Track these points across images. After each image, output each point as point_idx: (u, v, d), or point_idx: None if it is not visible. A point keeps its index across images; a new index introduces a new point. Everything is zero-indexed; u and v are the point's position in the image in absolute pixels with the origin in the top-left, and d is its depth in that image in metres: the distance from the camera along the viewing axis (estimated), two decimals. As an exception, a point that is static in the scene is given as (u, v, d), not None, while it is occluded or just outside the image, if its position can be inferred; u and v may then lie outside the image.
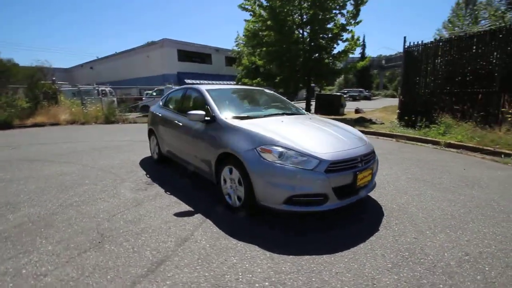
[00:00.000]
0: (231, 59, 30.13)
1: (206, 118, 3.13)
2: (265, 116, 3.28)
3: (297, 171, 2.30)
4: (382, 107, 20.04)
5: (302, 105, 14.50)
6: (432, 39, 8.36)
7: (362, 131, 4.96)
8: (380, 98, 42.53)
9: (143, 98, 16.68)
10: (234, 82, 25.83)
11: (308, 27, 13.20)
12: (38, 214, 2.85)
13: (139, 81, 24.66)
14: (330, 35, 13.31)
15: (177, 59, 27.30)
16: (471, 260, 2.01)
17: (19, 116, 10.89)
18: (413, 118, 8.14)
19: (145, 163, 4.88)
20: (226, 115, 3.10)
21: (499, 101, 6.45)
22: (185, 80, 24.97)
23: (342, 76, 24.16)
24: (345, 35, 13.21)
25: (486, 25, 36.26)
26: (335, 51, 13.61)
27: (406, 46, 8.86)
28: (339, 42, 13.41)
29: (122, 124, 11.95)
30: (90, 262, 2.00)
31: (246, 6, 13.45)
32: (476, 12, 36.78)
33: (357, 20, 12.93)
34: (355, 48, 13.25)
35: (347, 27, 12.91)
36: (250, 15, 13.63)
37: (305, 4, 12.83)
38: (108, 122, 12.35)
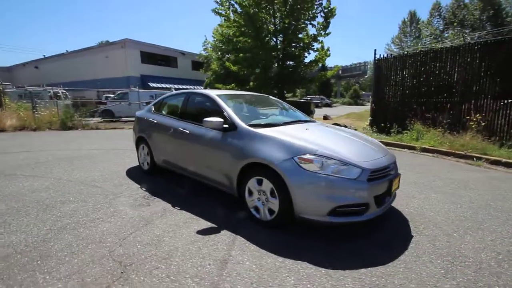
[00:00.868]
0: (197, 64, 29.48)
1: (225, 125, 2.91)
2: (284, 123, 3.17)
3: (341, 181, 2.23)
4: (346, 114, 21.31)
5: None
6: (393, 53, 9.11)
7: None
8: (338, 105, 45.24)
9: (107, 102, 15.30)
10: (202, 87, 25.26)
11: (281, 35, 13.52)
12: (25, 243, 2.33)
13: (96, 83, 22.63)
14: (301, 45, 13.80)
15: (140, 61, 25.76)
16: (505, 259, 2.14)
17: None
18: (387, 125, 8.75)
19: (134, 174, 4.39)
20: (245, 123, 2.92)
21: (461, 110, 7.27)
22: (150, 84, 23.63)
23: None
24: (316, 45, 13.84)
25: (427, 42, 41.06)
26: (306, 60, 14.15)
27: (376, 58, 9.54)
28: (310, 51, 13.98)
29: (83, 131, 10.76)
30: (124, 300, 1.66)
31: (220, 11, 13.31)
32: (419, 30, 41.68)
33: (326, 32, 13.62)
34: (325, 58, 13.93)
35: (318, 38, 13.52)
36: (224, 20, 13.51)
37: (278, 14, 13.14)
38: (65, 128, 11.02)
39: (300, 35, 13.62)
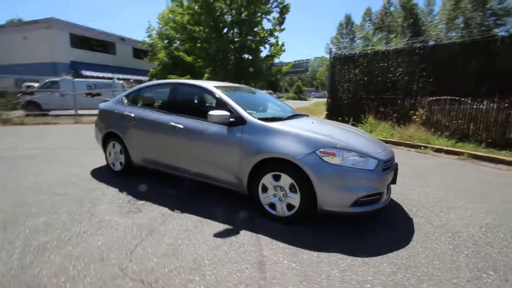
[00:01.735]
0: (140, 51, 26.98)
1: (231, 119, 2.72)
2: (288, 117, 3.12)
3: (362, 172, 2.32)
4: (296, 108, 22.36)
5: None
6: (348, 52, 9.92)
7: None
8: (284, 100, 47.16)
9: (34, 92, 12.82)
10: (147, 78, 23.32)
11: (237, 27, 13.32)
12: (1, 273, 1.80)
13: (15, 68, 18.66)
14: (258, 38, 13.85)
15: (70, 45, 22.20)
16: (488, 230, 2.54)
17: None
18: (344, 118, 9.47)
19: (102, 176, 3.80)
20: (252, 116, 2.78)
21: (404, 106, 8.32)
22: (83, 72, 20.66)
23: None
24: (272, 40, 14.06)
25: (360, 44, 45.40)
26: (262, 55, 14.29)
27: (331, 57, 10.19)
28: (266, 46, 14.15)
29: (4, 127, 8.84)
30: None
31: (172, -4, 12.37)
32: (354, 33, 45.93)
33: (281, 27, 13.94)
34: (280, 53, 14.26)
35: (274, 33, 13.75)
36: (177, 5, 12.61)
37: (234, 4, 12.88)
38: (-22, 123, 8.93)
39: (255, 29, 13.63)
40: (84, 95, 12.36)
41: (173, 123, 3.12)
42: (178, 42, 22.03)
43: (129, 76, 24.01)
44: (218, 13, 11.84)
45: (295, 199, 2.42)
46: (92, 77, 19.42)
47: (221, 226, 2.49)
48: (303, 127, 2.69)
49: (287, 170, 2.43)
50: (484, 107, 6.52)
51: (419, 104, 7.84)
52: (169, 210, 2.81)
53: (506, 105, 6.14)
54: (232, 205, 2.96)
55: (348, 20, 47.31)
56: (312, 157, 2.32)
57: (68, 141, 6.39)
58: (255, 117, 2.75)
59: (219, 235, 2.35)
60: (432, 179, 4.18)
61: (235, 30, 12.98)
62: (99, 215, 2.68)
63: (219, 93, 3.01)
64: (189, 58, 13.19)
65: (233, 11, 12.85)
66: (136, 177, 3.78)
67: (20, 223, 2.47)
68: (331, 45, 49.06)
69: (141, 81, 24.94)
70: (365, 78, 9.38)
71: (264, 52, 14.21)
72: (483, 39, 7.73)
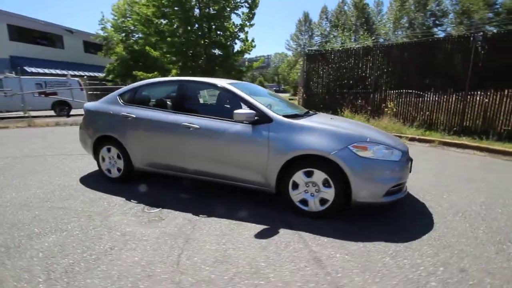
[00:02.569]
0: (92, 45, 24.62)
1: (256, 118, 2.66)
2: (305, 114, 3.15)
3: (391, 163, 2.46)
4: (264, 103, 22.59)
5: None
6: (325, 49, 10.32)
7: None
8: (249, 95, 47.25)
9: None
10: (103, 73, 21.49)
11: (206, 22, 12.92)
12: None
13: None
14: (228, 34, 13.62)
15: (9, 38, 19.25)
16: (487, 207, 2.89)
17: None
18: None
19: (98, 185, 3.44)
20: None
21: (374, 99, 8.95)
22: (26, 68, 18.16)
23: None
24: (242, 36, 13.92)
25: (319, 41, 47.22)
26: (232, 51, 14.07)
27: (306, 53, 10.50)
28: (237, 41, 13.98)
29: None
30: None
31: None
32: (312, 30, 47.64)
33: (251, 23, 13.88)
34: (251, 49, 14.21)
35: (244, 28, 13.63)
36: (140, -4, 11.75)
37: (203, -3, 12.44)
38: None
39: (225, 24, 13.37)
40: (36, 95, 10.92)
41: (186, 123, 2.94)
42: (136, 36, 20.64)
43: (80, 73, 21.78)
44: (189, 6, 11.32)
45: (329, 194, 2.48)
46: (38, 73, 17.20)
47: (257, 227, 2.44)
48: (327, 123, 2.75)
49: (320, 166, 2.47)
50: (443, 99, 7.36)
51: (389, 97, 8.52)
52: (194, 216, 2.66)
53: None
54: (257, 204, 2.91)
55: (306, 18, 48.96)
56: (346, 152, 2.39)
57: (32, 148, 5.62)
58: (279, 115, 2.72)
59: (260, 236, 2.30)
60: (417, 166, 4.58)
61: (205, 25, 12.55)
62: (118, 227, 2.43)
63: (237, 91, 2.91)
64: (155, 53, 12.40)
65: (201, 5, 12.41)
66: (135, 183, 3.49)
67: (26, 247, 2.13)
68: (291, 42, 50.39)
69: (95, 78, 22.87)
70: (338, 74, 9.86)
71: (235, 48, 14.01)
72: (427, 40, 8.69)
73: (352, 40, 41.00)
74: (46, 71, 19.41)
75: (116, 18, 20.20)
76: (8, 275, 1.80)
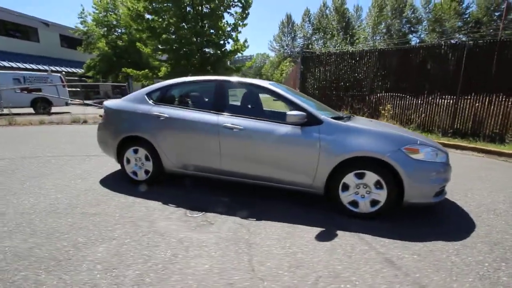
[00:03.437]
0: (70, 40, 23.17)
1: (305, 120, 2.65)
2: (346, 116, 3.17)
3: (440, 165, 2.55)
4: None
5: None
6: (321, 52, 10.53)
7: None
8: (232, 95, 47.06)
9: None
10: (82, 69, 20.35)
11: (200, 21, 12.68)
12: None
13: None
14: (221, 32, 13.46)
15: (-25, 28, 17.55)
16: (508, 203, 3.10)
17: None
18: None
19: (123, 188, 3.23)
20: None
21: (370, 102, 9.28)
22: (-4, 62, 16.67)
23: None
24: (234, 35, 13.83)
25: (301, 43, 47.98)
26: (225, 50, 13.94)
27: (302, 55, 10.63)
28: (230, 41, 13.86)
29: None
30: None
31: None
32: (295, 31, 48.36)
33: (244, 22, 13.83)
34: (244, 49, 14.16)
35: (238, 28, 13.55)
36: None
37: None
38: None
39: (218, 23, 13.20)
40: (18, 91, 10.08)
41: (229, 124, 2.86)
42: (120, 31, 19.77)
43: (57, 68, 20.42)
44: (181, 3, 11.01)
45: (381, 195, 2.52)
46: (12, 68, 15.89)
47: (313, 230, 2.43)
48: (372, 125, 2.80)
49: (372, 167, 2.51)
50: (437, 103, 7.80)
51: (384, 100, 8.87)
52: (243, 219, 2.60)
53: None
54: (304, 206, 2.89)
55: (289, 19, 49.59)
56: (399, 154, 2.45)
57: (26, 148, 5.18)
58: (328, 117, 2.74)
59: (321, 238, 2.29)
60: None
61: (199, 24, 12.28)
62: (170, 234, 2.31)
63: (283, 93, 2.89)
64: (147, 50, 11.91)
65: (194, 2, 12.14)
66: (162, 186, 3.34)
67: (78, 258, 1.96)
68: (274, 43, 50.81)
69: (74, 74, 21.55)
70: (334, 76, 10.09)
71: (228, 47, 13.88)
72: (421, 46, 9.15)
73: (333, 44, 42.21)
74: (20, 65, 17.97)
75: (97, 11, 19.18)
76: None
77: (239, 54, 15.09)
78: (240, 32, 13.82)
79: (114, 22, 19.19)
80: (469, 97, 7.43)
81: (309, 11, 45.82)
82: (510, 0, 30.11)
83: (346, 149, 2.54)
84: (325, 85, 10.29)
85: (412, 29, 39.51)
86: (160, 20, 11.26)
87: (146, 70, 12.93)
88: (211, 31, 13.16)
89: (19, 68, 16.49)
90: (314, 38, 45.25)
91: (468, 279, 1.82)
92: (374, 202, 2.57)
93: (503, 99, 6.77)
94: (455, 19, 36.12)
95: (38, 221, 2.47)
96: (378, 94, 9.11)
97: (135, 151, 3.31)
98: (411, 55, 8.68)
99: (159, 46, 12.09)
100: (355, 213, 2.63)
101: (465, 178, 4.12)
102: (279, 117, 2.90)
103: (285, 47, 49.27)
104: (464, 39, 34.82)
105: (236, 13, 13.50)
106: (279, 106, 3.52)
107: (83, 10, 19.63)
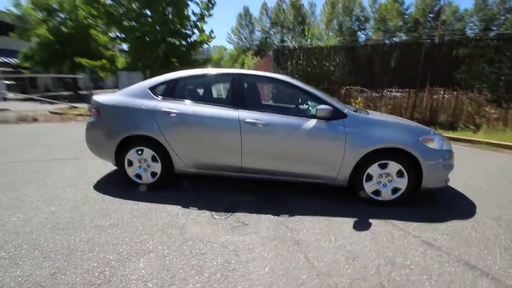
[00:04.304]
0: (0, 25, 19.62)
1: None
2: (357, 110, 3.27)
3: (448, 152, 2.80)
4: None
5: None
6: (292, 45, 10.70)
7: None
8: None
9: None
10: (20, 60, 17.59)
11: (162, 8, 11.84)
12: None
13: None
14: (186, 22, 12.81)
15: None
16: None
17: None
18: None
19: (128, 194, 2.91)
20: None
21: (339, 95, 9.79)
22: None
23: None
24: (200, 26, 13.27)
25: (259, 36, 48.10)
26: (192, 41, 13.32)
27: (274, 49, 10.69)
28: (196, 31, 13.27)
29: None
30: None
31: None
32: (253, 25, 48.28)
33: (210, 13, 13.34)
34: (210, 40, 13.68)
35: (204, 18, 13.02)
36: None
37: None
38: None
39: (184, 11, 12.51)
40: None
41: (251, 120, 2.75)
42: (63, 16, 17.44)
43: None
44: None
45: (402, 183, 2.70)
46: None
47: (346, 221, 2.49)
48: (387, 117, 2.96)
49: (394, 157, 2.66)
50: (401, 96, 8.60)
51: (354, 94, 9.45)
52: (276, 217, 2.54)
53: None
54: (326, 199, 2.93)
55: (247, 12, 49.27)
56: (419, 144, 2.64)
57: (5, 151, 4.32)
58: (351, 111, 2.81)
59: (358, 228, 2.37)
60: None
61: (164, 11, 11.45)
62: (209, 239, 2.16)
63: (306, 88, 2.87)
64: (104, 38, 10.69)
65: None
66: (168, 189, 3.09)
67: (119, 279, 1.71)
68: (232, 35, 50.15)
69: (7, 64, 18.37)
70: (305, 70, 10.38)
71: (194, 38, 13.25)
72: (384, 44, 9.97)
73: (290, 38, 43.27)
74: None
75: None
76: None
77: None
78: (206, 22, 13.29)
79: (56, 6, 16.82)
80: (426, 91, 8.35)
81: (267, 5, 46.13)
82: (442, 3, 34.36)
83: (373, 141, 2.64)
84: (298, 79, 10.52)
85: (361, 27, 42.55)
86: (117, 5, 10.20)
87: (104, 61, 11.62)
88: (176, 20, 12.40)
89: None
90: (272, 32, 45.81)
91: (494, 251, 2.06)
92: (394, 190, 2.74)
93: (455, 93, 7.74)
94: (397, 19, 39.90)
95: (42, 240, 2.09)
96: (348, 87, 9.67)
97: (139, 152, 2.99)
98: (376, 51, 9.38)
99: (118, 35, 10.98)
100: (378, 201, 2.78)
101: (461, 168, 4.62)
102: (297, 112, 2.89)
103: (244, 40, 48.98)
104: (404, 37, 38.75)
105: (202, 2, 12.92)
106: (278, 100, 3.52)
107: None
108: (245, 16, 49.07)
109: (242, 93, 2.93)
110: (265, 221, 2.47)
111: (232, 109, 2.84)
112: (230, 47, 52.39)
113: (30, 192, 2.94)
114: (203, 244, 2.09)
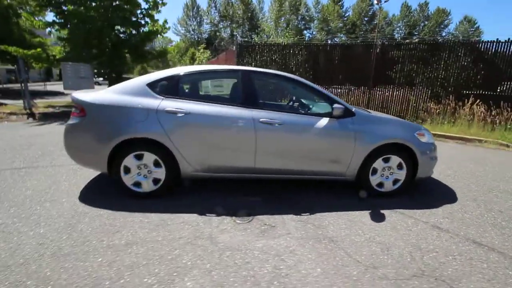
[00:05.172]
0: None
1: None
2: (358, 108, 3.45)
3: (433, 145, 3.17)
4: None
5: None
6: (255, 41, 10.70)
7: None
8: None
9: None
10: None
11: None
12: None
13: None
14: (137, 10, 11.71)
15: None
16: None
17: None
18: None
19: (132, 206, 2.58)
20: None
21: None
22: None
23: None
24: (155, 16, 12.28)
25: (208, 29, 46.90)
26: (144, 31, 12.24)
27: (238, 44, 10.54)
28: (148, 20, 12.23)
29: None
30: None
31: None
32: (201, 16, 46.66)
33: (163, 1, 12.44)
34: (165, 31, 12.78)
35: (158, 6, 12.06)
36: None
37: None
38: None
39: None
40: None
41: (266, 119, 2.68)
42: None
43: None
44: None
45: (401, 175, 2.98)
46: None
47: (362, 214, 2.64)
48: (385, 115, 3.22)
49: (395, 151, 2.92)
50: (356, 92, 9.42)
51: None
52: (298, 216, 2.56)
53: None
54: (335, 194, 3.05)
55: (194, 3, 47.34)
56: (415, 138, 2.95)
57: None
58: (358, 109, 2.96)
59: (376, 219, 2.54)
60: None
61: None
62: (245, 246, 2.07)
63: (316, 87, 2.91)
64: (37, 22, 8.99)
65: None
66: (169, 196, 2.85)
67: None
68: (178, 26, 47.75)
69: None
70: (269, 67, 10.53)
71: (146, 28, 12.16)
72: (343, 44, 10.76)
73: (239, 33, 43.23)
74: None
75: None
76: None
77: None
78: (159, 11, 12.34)
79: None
80: (378, 88, 9.30)
81: (215, -3, 45.03)
82: (374, 9, 38.32)
83: (380, 138, 2.84)
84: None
85: (306, 26, 44.87)
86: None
87: (39, 50, 9.76)
88: (126, 6, 11.20)
89: None
90: (221, 26, 45.01)
91: (487, 228, 2.45)
92: (395, 181, 3.01)
93: (403, 90, 8.79)
94: (338, 21, 43.21)
95: (49, 272, 1.71)
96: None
97: (138, 157, 2.65)
98: (333, 51, 10.04)
99: (56, 20, 9.42)
100: (381, 192, 3.02)
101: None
102: (307, 111, 2.93)
103: (192, 32, 47.07)
104: (344, 38, 42.21)
105: (154, -11, 11.90)
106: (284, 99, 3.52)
107: None
108: (192, 7, 47.13)
109: (253, 92, 2.83)
110: (290, 221, 2.46)
111: (244, 108, 2.72)
112: (176, 38, 49.85)
113: (20, 202, 2.37)
114: (242, 253, 1.98)
